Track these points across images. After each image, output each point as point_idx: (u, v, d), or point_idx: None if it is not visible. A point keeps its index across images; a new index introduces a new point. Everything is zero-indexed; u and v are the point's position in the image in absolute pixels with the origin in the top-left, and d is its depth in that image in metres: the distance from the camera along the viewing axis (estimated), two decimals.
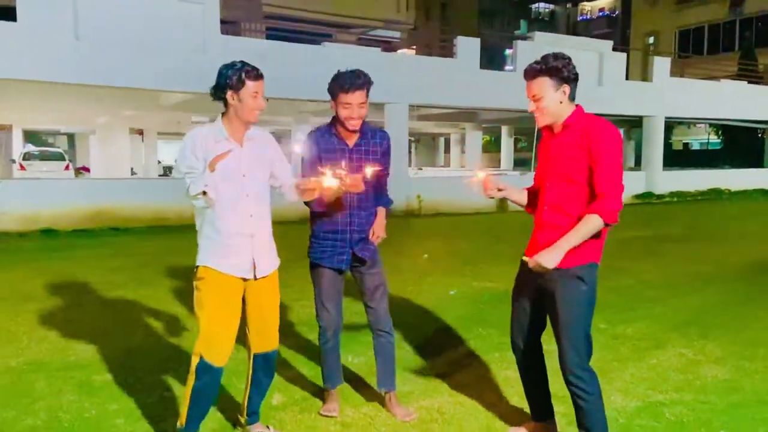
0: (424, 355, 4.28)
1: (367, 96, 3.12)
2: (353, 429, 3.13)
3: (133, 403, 3.42)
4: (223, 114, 2.79)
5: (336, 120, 3.17)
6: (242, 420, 3.05)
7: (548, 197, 2.74)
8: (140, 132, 26.21)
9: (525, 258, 2.62)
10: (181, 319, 5.02)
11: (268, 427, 3.08)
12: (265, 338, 2.93)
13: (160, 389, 3.61)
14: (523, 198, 3.00)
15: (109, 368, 3.94)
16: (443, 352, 4.34)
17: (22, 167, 20.18)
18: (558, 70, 2.62)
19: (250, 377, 2.98)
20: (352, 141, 3.20)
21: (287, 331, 4.75)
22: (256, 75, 2.73)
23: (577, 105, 2.71)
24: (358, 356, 4.15)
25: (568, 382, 2.69)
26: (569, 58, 2.66)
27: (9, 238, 9.89)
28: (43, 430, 3.11)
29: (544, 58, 2.66)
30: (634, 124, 22.42)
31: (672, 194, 18.41)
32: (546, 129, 2.79)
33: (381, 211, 3.32)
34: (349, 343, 4.37)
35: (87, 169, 26.25)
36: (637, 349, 4.39)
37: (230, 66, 2.73)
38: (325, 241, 3.19)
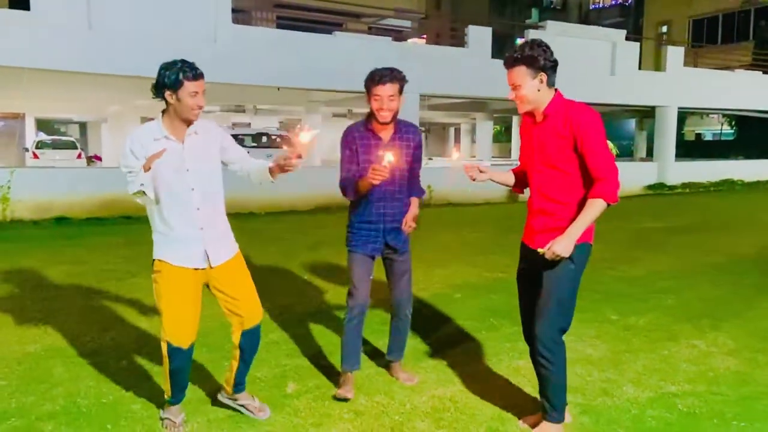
0: (436, 345, 4.30)
1: (400, 92, 3.25)
2: (366, 417, 3.17)
3: (150, 389, 3.46)
4: (164, 111, 2.85)
5: (370, 115, 3.32)
6: (228, 389, 3.19)
7: (536, 184, 2.85)
8: (152, 120, 26.24)
9: (540, 250, 2.68)
10: None
11: (253, 397, 3.22)
12: (248, 314, 3.02)
13: None
14: (509, 179, 3.13)
15: (126, 355, 4.00)
16: (455, 343, 4.36)
17: (35, 155, 20.35)
18: (534, 59, 2.70)
19: (237, 356, 3.10)
20: (386, 135, 3.33)
21: (302, 317, 4.80)
22: (195, 75, 2.75)
23: (556, 91, 2.79)
24: (371, 345, 4.17)
25: (536, 351, 2.82)
26: (546, 47, 2.73)
27: (23, 226, 10.00)
28: (61, 416, 3.16)
29: (521, 46, 2.75)
30: (646, 114, 22.24)
31: (684, 185, 18.28)
32: (528, 116, 2.88)
33: (414, 202, 3.49)
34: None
35: (99, 158, 26.41)
36: (649, 340, 4.39)
37: (170, 65, 2.76)
38: (360, 231, 3.37)
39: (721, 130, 32.86)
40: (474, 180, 3.02)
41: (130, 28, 10.96)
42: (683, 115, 24.22)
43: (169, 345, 2.90)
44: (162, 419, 3.08)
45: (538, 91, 2.74)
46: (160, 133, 2.81)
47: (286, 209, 12.34)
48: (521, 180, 3.12)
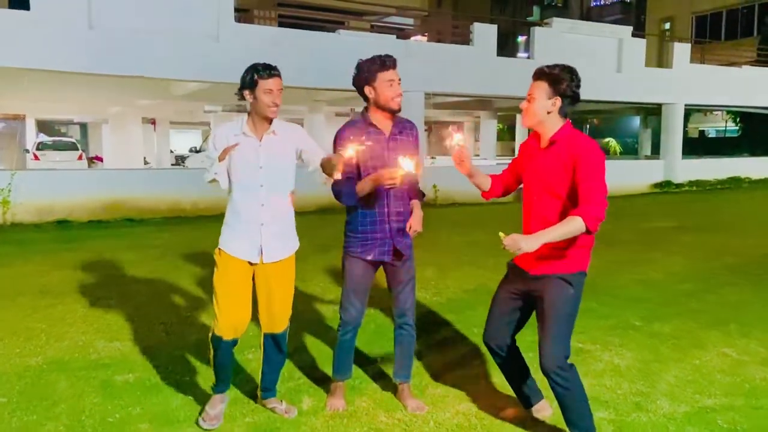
0: (455, 355, 4.13)
1: None
2: None
3: (157, 405, 3.29)
4: (249, 112, 3.02)
5: (369, 110, 3.10)
6: (258, 393, 3.29)
7: (536, 209, 2.79)
8: (153, 121, 26.14)
9: (501, 234, 2.55)
10: (199, 315, 4.90)
11: (281, 401, 3.25)
12: (273, 320, 3.12)
13: (183, 390, 3.48)
14: (486, 183, 3.08)
15: (131, 367, 3.82)
16: (474, 353, 4.17)
17: (35, 157, 20.20)
18: (559, 80, 2.67)
19: (262, 357, 3.21)
20: (388, 130, 3.11)
21: (316, 325, 4.61)
22: (269, 74, 2.90)
23: (566, 121, 2.75)
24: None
25: (550, 380, 2.72)
26: (576, 76, 2.70)
27: (24, 229, 9.82)
28: None
29: (555, 65, 2.72)
30: (651, 111, 22.05)
31: (691, 183, 18.08)
32: (535, 138, 2.84)
33: (416, 205, 3.22)
34: (379, 340, 4.23)
35: (100, 159, 26.26)
36: (677, 348, 4.21)
37: (249, 68, 2.95)
38: (365, 234, 3.11)
39: (726, 127, 32.64)
40: (457, 165, 2.94)
41: (131, 28, 10.78)
42: (688, 112, 23.99)
43: (213, 333, 3.02)
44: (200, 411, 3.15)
45: (548, 113, 2.71)
46: (239, 130, 2.98)
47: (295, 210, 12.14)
48: (495, 188, 3.08)
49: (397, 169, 2.85)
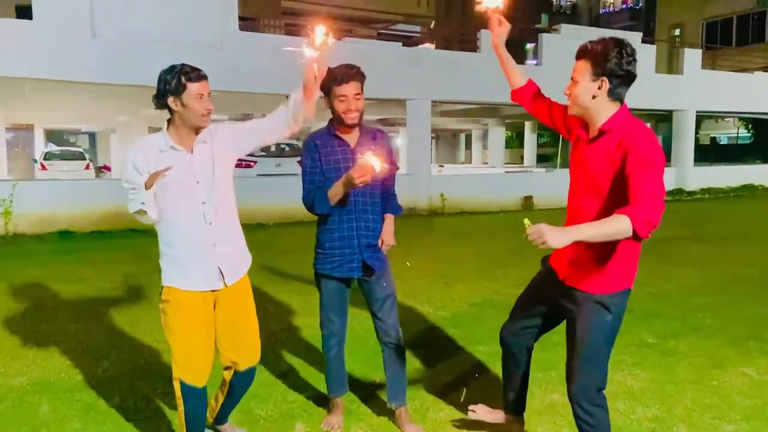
0: (461, 374, 3.92)
1: (362, 89, 2.92)
2: None
3: None
4: (169, 121, 2.58)
5: (333, 120, 2.98)
6: (210, 419, 2.94)
7: (576, 210, 2.41)
8: (160, 130, 26.13)
9: (527, 221, 2.10)
10: None
11: (234, 426, 3.03)
12: (246, 352, 2.77)
13: (169, 415, 3.30)
14: (519, 78, 2.79)
15: (117, 390, 3.65)
16: (481, 372, 3.97)
17: (43, 167, 20.18)
18: (603, 57, 2.23)
19: (225, 391, 2.86)
20: (353, 141, 2.97)
21: (313, 341, 4.43)
22: (198, 76, 2.50)
23: (621, 105, 2.32)
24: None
25: (575, 415, 2.42)
26: (627, 51, 2.24)
27: (26, 240, 9.72)
28: None
29: (600, 39, 2.29)
30: (661, 118, 21.76)
31: (703, 191, 17.80)
32: (581, 130, 2.42)
33: (389, 218, 3.09)
34: (374, 362, 4.04)
35: (108, 168, 26.28)
36: (693, 368, 3.98)
37: (169, 70, 2.51)
38: (332, 250, 2.98)
39: (738, 133, 32.23)
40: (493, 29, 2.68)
41: (134, 37, 10.71)
42: (699, 119, 23.69)
43: (182, 384, 2.60)
44: None
45: (593, 98, 2.28)
46: (165, 144, 2.55)
47: (295, 220, 12.00)
48: (528, 89, 2.78)
49: (366, 165, 2.66)
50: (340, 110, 2.88)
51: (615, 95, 2.28)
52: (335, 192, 2.85)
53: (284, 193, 10.81)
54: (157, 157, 2.52)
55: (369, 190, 2.93)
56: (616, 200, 2.21)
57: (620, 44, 2.25)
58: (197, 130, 2.57)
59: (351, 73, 2.87)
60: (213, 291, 2.64)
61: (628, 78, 2.27)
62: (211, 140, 2.63)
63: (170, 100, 2.50)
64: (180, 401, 2.64)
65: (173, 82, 2.48)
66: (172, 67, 2.51)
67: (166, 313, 2.63)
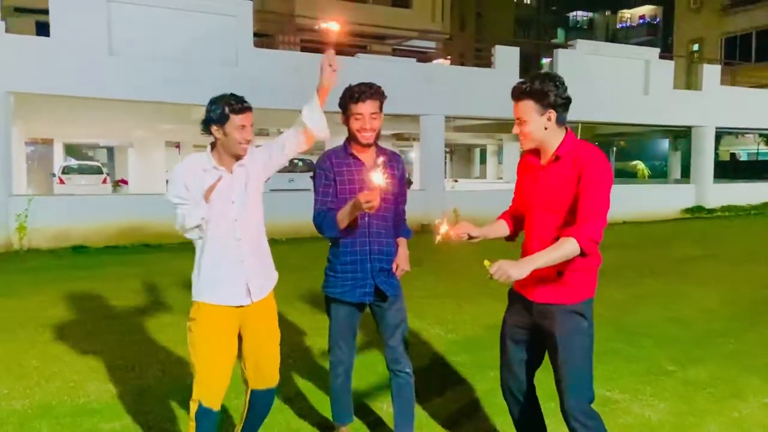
0: (472, 402, 3.80)
1: (380, 109, 2.88)
2: None
3: None
4: (213, 145, 2.70)
5: (349, 138, 2.93)
6: None
7: (536, 229, 2.55)
8: (177, 145, 26.40)
9: (486, 262, 2.26)
10: None
11: None
12: (265, 373, 2.81)
13: None
14: (504, 229, 2.83)
15: (120, 413, 3.58)
16: (492, 400, 3.84)
17: (61, 181, 20.43)
18: (544, 93, 2.42)
19: (245, 413, 2.86)
20: (369, 160, 2.91)
21: (320, 363, 4.33)
22: (242, 108, 2.60)
23: (567, 130, 2.50)
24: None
25: (570, 428, 2.46)
26: (559, 81, 2.44)
27: (40, 255, 9.76)
28: None
29: (532, 78, 2.46)
30: (680, 134, 21.51)
31: (723, 208, 17.48)
32: (531, 155, 2.59)
33: (402, 243, 3.04)
34: (380, 389, 3.93)
35: (125, 182, 26.54)
36: (713, 398, 3.83)
37: (216, 99, 2.63)
38: (344, 273, 2.91)
39: (758, 149, 31.78)
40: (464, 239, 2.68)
41: (150, 54, 10.81)
42: (718, 135, 23.38)
43: (199, 406, 2.61)
44: None
45: (545, 129, 2.45)
46: (209, 164, 2.66)
47: (307, 236, 11.95)
48: (515, 224, 2.81)
49: (373, 189, 2.59)
50: (354, 128, 2.85)
51: (561, 121, 2.46)
52: (343, 216, 2.78)
53: (297, 209, 10.75)
54: (202, 175, 2.62)
55: (382, 213, 2.87)
56: (569, 213, 2.42)
57: (552, 77, 2.45)
58: (237, 158, 2.68)
59: (369, 92, 2.83)
60: (240, 307, 2.67)
61: (567, 104, 2.47)
62: (248, 163, 2.73)
63: (214, 129, 2.61)
64: (193, 423, 2.63)
65: (218, 112, 2.58)
66: (220, 97, 2.62)
67: (192, 331, 2.64)
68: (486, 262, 2.25)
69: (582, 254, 2.30)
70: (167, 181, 2.65)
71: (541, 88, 2.41)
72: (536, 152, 2.56)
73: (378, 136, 2.91)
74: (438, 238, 2.58)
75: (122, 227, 10.93)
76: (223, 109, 2.57)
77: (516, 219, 2.80)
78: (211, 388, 2.61)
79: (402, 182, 3.03)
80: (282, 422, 3.47)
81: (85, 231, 10.64)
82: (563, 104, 2.44)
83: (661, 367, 4.39)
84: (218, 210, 2.62)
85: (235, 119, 2.57)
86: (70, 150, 29.42)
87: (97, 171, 22.42)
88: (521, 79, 2.51)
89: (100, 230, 10.75)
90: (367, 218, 2.85)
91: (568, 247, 2.29)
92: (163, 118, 16.96)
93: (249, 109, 2.62)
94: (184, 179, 2.61)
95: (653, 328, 5.40)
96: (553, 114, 2.42)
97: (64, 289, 7.05)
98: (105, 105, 12.31)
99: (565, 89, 2.44)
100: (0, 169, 10.11)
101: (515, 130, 2.52)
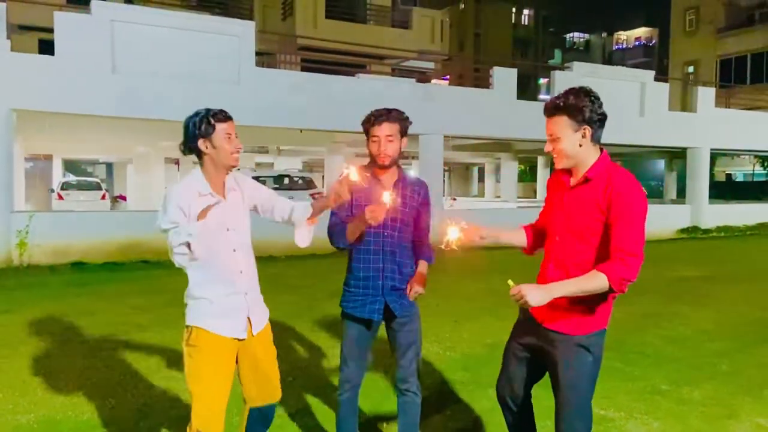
0: (468, 420, 3.86)
1: (402, 133, 2.94)
2: None
3: None
4: (201, 165, 2.60)
5: (371, 160, 3.00)
6: None
7: (556, 253, 2.47)
8: (176, 161, 26.54)
9: (510, 282, 2.24)
10: None
11: None
12: (265, 391, 2.78)
13: None
14: (521, 239, 2.76)
15: (122, 429, 3.62)
16: (489, 418, 3.90)
17: (60, 197, 20.49)
18: (579, 109, 2.33)
19: (243, 428, 2.81)
20: (388, 182, 2.97)
21: (319, 383, 4.38)
22: (225, 116, 2.56)
23: (602, 150, 2.41)
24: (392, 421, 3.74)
25: None
26: (595, 97, 2.36)
27: (39, 272, 9.80)
28: None
29: (566, 93, 2.37)
30: (676, 154, 21.71)
31: (719, 229, 17.61)
32: (563, 173, 2.49)
33: (422, 264, 3.06)
34: (383, 406, 3.99)
35: (124, 198, 26.61)
36: (707, 418, 3.89)
37: (194, 115, 2.55)
38: (356, 289, 2.96)
39: (753, 170, 32.04)
40: (475, 242, 2.63)
41: (153, 72, 10.96)
42: (714, 156, 23.64)
43: None
44: None
45: (580, 146, 2.36)
46: (205, 189, 2.56)
47: (307, 253, 12.02)
48: (536, 239, 2.75)
49: (380, 204, 2.66)
50: (372, 151, 2.93)
51: (596, 139, 2.38)
52: (351, 229, 2.86)
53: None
54: (198, 200, 2.51)
55: (398, 232, 2.94)
56: (595, 243, 2.33)
57: (587, 92, 2.37)
58: (227, 171, 2.62)
59: (385, 116, 2.91)
60: (239, 340, 2.62)
61: (603, 120, 2.38)
62: (238, 188, 2.69)
63: (200, 143, 2.53)
64: None
65: (202, 126, 2.52)
66: (197, 113, 2.56)
67: (192, 357, 2.54)
68: (510, 282, 2.24)
69: (610, 290, 2.23)
70: (162, 206, 2.53)
71: (576, 103, 2.33)
72: (568, 171, 2.47)
73: (396, 159, 2.97)
74: (447, 241, 2.52)
75: (121, 244, 10.98)
76: (207, 120, 2.52)
77: (537, 234, 2.75)
78: (211, 419, 2.53)
79: (425, 206, 3.08)
80: None
81: (85, 247, 10.70)
82: (599, 120, 2.36)
83: (656, 386, 4.45)
84: (216, 239, 2.53)
85: (221, 128, 2.53)
86: (69, 166, 29.51)
87: (96, 187, 22.49)
88: (556, 96, 2.42)
89: (99, 246, 10.80)
90: (381, 236, 2.91)
91: (597, 283, 2.22)
92: (163, 135, 17.09)
93: (231, 117, 2.58)
94: (180, 203, 2.48)
95: (649, 347, 5.47)
96: (588, 131, 2.35)
97: (65, 305, 7.10)
98: (107, 122, 12.44)
99: (601, 105, 2.36)
100: (2, 185, 10.18)
101: (548, 147, 2.44)
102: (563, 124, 2.36)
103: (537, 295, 2.19)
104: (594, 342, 2.39)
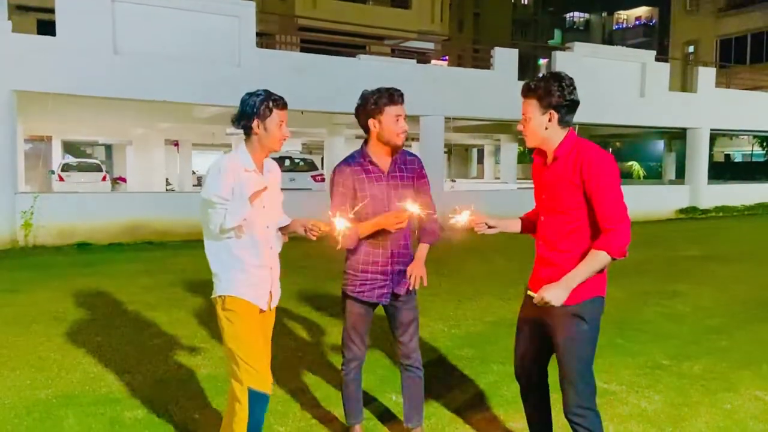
0: (475, 395, 3.97)
1: None
2: None
3: None
4: (246, 141, 2.72)
5: (369, 143, 2.96)
6: None
7: (542, 231, 2.62)
8: (176, 143, 26.51)
9: (530, 292, 2.42)
10: (212, 347, 4.80)
11: None
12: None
13: (194, 427, 3.38)
14: (515, 227, 2.88)
15: (141, 402, 3.73)
16: (496, 392, 4.02)
17: (60, 178, 20.52)
18: (547, 93, 2.45)
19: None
20: (386, 166, 2.96)
21: (324, 363, 4.49)
22: (283, 104, 2.69)
23: (569, 130, 2.53)
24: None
25: (569, 421, 2.55)
26: (567, 83, 2.45)
27: (45, 252, 9.89)
28: None
29: (540, 78, 2.50)
30: (675, 135, 21.74)
31: (717, 209, 17.72)
32: (539, 156, 2.64)
33: (422, 248, 3.06)
34: (388, 383, 4.09)
35: (123, 180, 26.65)
36: (707, 391, 4.01)
37: (255, 94, 2.66)
38: (365, 273, 2.98)
39: (752, 151, 32.08)
40: (482, 233, 2.73)
41: (154, 53, 10.94)
42: (713, 136, 23.68)
43: (252, 392, 2.61)
44: None
45: (545, 129, 2.49)
46: (250, 165, 2.68)
47: None
48: (526, 226, 2.86)
49: (403, 211, 2.72)
50: (393, 130, 2.85)
51: (564, 123, 2.50)
52: (364, 231, 2.86)
53: (297, 208, 10.91)
54: (245, 176, 2.63)
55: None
56: (579, 215, 2.47)
57: (560, 78, 2.47)
58: (269, 154, 2.76)
59: (401, 94, 2.89)
60: (261, 311, 2.76)
61: (573, 106, 2.48)
62: (274, 172, 2.84)
63: (255, 123, 2.63)
64: (245, 412, 2.61)
65: (261, 107, 2.61)
66: (257, 93, 2.65)
67: (232, 321, 2.66)
68: (530, 292, 2.43)
69: (614, 260, 2.38)
70: (211, 176, 2.60)
71: (546, 87, 2.44)
72: (543, 153, 2.59)
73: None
74: (454, 221, 2.63)
75: (126, 224, 11.06)
76: (268, 103, 2.61)
77: (531, 221, 2.83)
78: (260, 373, 2.63)
79: (423, 179, 3.04)
80: (296, 411, 3.63)
81: (90, 228, 10.77)
82: (567, 106, 2.45)
83: (657, 361, 4.57)
84: (255, 215, 2.64)
85: (278, 114, 2.64)
86: (68, 147, 29.45)
87: (97, 168, 22.52)
88: (532, 78, 2.55)
89: (104, 228, 10.88)
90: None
91: (600, 260, 2.37)
92: (163, 117, 17.09)
93: (287, 106, 2.70)
94: (229, 179, 2.58)
95: (649, 325, 5.59)
96: (554, 115, 2.45)
97: (73, 284, 7.19)
98: (107, 103, 12.43)
99: (572, 91, 2.45)
100: (6, 167, 10.22)
101: (519, 126, 2.57)
102: (532, 106, 2.49)
103: (556, 294, 2.35)
104: (588, 309, 2.47)
